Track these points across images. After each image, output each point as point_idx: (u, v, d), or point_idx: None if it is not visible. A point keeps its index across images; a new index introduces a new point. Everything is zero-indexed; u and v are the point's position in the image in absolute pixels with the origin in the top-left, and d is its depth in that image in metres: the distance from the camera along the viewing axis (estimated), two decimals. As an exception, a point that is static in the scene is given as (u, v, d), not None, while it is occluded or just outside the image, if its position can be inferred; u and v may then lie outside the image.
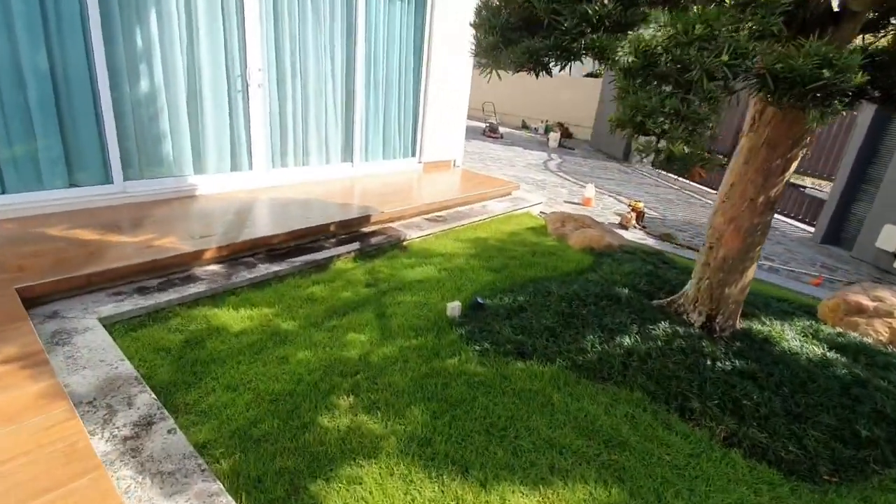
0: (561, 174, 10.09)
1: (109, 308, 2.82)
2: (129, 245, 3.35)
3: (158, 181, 4.33)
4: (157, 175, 4.33)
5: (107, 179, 4.01)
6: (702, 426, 2.18)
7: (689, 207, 8.33)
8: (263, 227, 4.01)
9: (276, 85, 4.99)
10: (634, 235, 6.07)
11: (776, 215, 8.22)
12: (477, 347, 2.70)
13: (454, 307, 3.05)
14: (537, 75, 2.48)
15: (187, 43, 4.22)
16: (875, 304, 3.26)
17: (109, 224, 3.69)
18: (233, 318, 2.93)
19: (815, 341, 2.93)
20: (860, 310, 3.23)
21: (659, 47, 1.72)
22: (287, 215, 4.31)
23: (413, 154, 6.83)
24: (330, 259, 3.94)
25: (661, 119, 1.77)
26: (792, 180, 8.38)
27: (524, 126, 17.43)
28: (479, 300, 3.18)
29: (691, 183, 10.57)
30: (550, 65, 2.38)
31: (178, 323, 2.83)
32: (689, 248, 5.88)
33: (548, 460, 1.96)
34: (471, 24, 2.57)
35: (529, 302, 3.16)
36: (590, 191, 7.43)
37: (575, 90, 16.61)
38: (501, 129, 15.01)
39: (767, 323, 3.03)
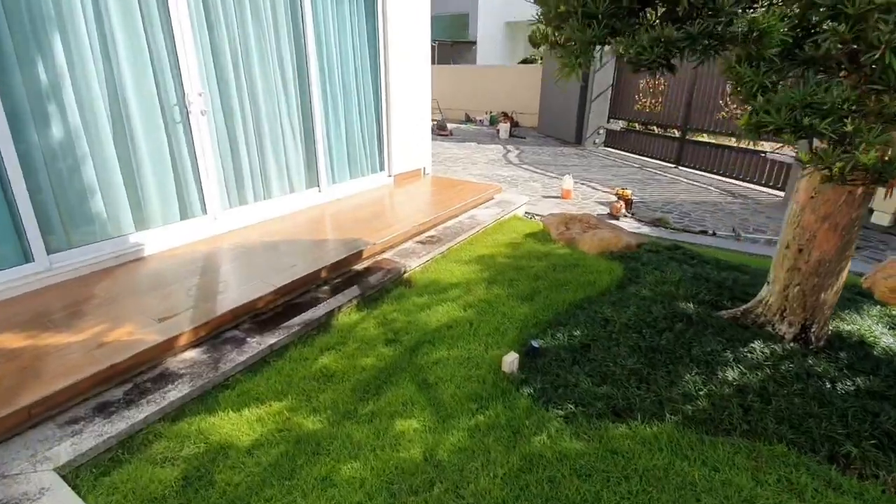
0: (526, 167, 9.77)
1: (66, 448, 2.05)
2: (73, 347, 2.54)
3: (93, 247, 3.45)
4: (90, 240, 3.45)
5: (25, 257, 3.11)
6: (866, 476, 1.82)
7: (660, 186, 8.26)
8: (240, 287, 3.27)
9: (223, 109, 4.18)
10: (629, 225, 5.81)
11: (742, 182, 8.33)
12: (560, 412, 2.20)
13: (511, 361, 2.53)
14: (655, 74, 2.00)
15: (105, 72, 3.35)
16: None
17: (39, 317, 2.83)
18: (237, 425, 2.25)
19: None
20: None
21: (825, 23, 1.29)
22: (263, 266, 3.58)
23: (382, 168, 6.18)
24: (330, 314, 3.28)
25: (843, 118, 1.34)
26: (751, 146, 8.52)
27: (468, 119, 17.06)
28: (535, 344, 2.68)
29: (650, 160, 10.62)
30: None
31: (166, 449, 2.11)
32: (684, 230, 5.70)
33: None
34: (538, 18, 2.02)
35: (590, 336, 2.70)
36: (568, 182, 7.13)
37: (514, 78, 16.42)
38: (447, 125, 14.55)
39: (846, 319, 2.77)
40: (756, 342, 2.47)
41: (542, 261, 4.15)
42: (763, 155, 8.07)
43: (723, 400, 2.13)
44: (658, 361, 2.39)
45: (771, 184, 7.84)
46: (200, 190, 4.11)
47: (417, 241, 4.60)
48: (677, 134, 9.97)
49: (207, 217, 4.19)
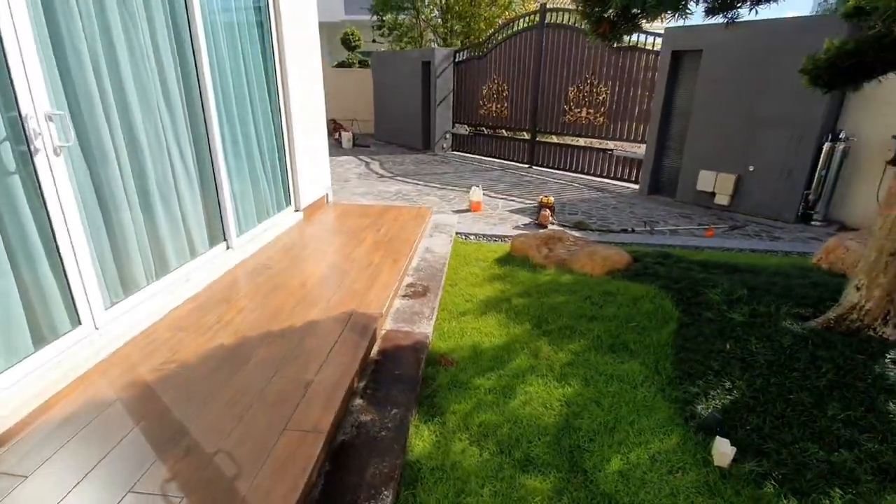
0: (401, 179, 9.06)
1: None
2: None
3: None
4: None
5: None
6: None
7: (543, 187, 8.62)
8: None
9: (83, 142, 2.42)
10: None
11: (603, 179, 9.30)
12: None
13: (724, 452, 1.99)
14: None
15: None
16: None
17: None
18: None
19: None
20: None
21: None
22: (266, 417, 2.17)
23: (288, 202, 4.75)
24: (399, 465, 2.15)
25: None
26: (599, 146, 9.56)
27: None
28: (717, 416, 2.18)
29: (504, 161, 11.11)
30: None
31: None
32: (607, 231, 5.95)
33: None
34: None
35: (748, 389, 2.35)
36: (477, 194, 6.77)
37: (340, 81, 15.31)
38: (279, 137, 12.67)
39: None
40: (891, 353, 2.52)
41: (562, 294, 3.67)
42: (611, 152, 9.17)
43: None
44: (849, 405, 2.20)
45: (624, 178, 8.94)
46: (67, 288, 2.30)
47: (403, 296, 3.58)
48: (527, 136, 10.63)
49: (83, 329, 2.40)
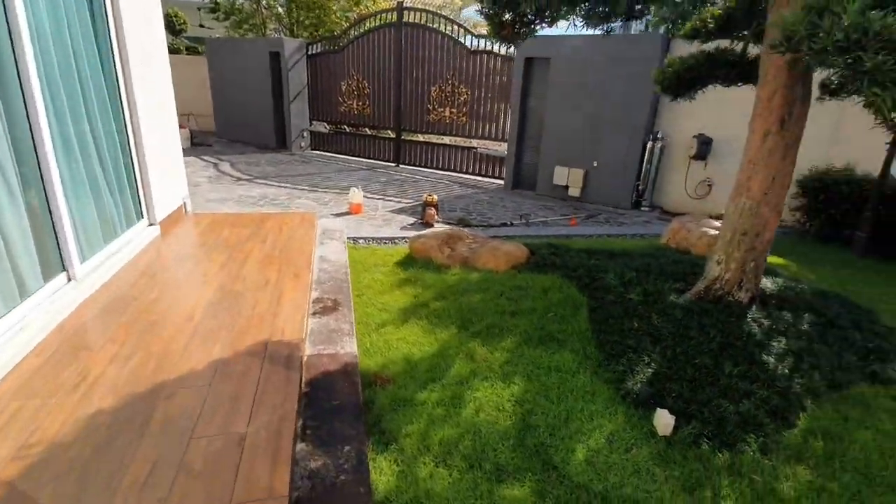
0: (263, 182, 8.20)
1: None
2: None
3: None
4: None
5: None
6: None
7: (416, 186, 8.64)
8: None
9: None
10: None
11: (470, 175, 9.72)
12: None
13: (667, 422, 2.20)
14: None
15: None
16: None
17: None
18: None
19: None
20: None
21: None
22: None
23: (141, 215, 3.89)
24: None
25: None
26: (464, 145, 9.98)
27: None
28: (648, 390, 2.40)
29: (370, 160, 10.87)
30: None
31: None
32: (488, 226, 6.23)
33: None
34: None
35: (661, 365, 2.66)
36: (357, 196, 6.47)
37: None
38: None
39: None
40: (758, 313, 3.09)
41: (476, 292, 3.70)
42: (475, 150, 9.64)
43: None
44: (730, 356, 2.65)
45: (489, 174, 9.48)
46: None
47: (314, 314, 3.23)
48: (392, 135, 10.56)
49: None
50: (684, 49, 7.00)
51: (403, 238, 5.43)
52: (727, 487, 2.00)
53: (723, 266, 3.25)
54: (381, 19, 10.00)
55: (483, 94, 9.10)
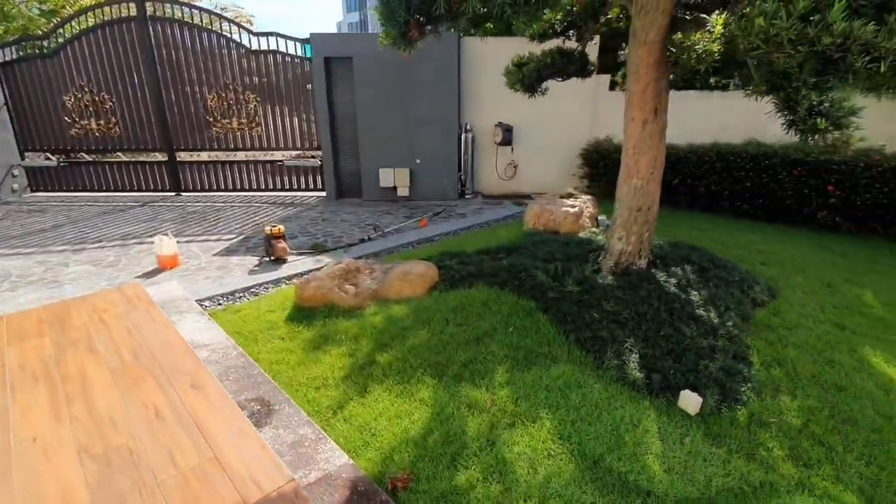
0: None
1: None
2: None
3: None
4: None
5: None
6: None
7: (223, 214, 7.12)
8: None
9: None
10: (301, 261, 5.04)
11: (283, 193, 8.61)
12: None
13: (694, 402, 2.33)
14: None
15: None
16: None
17: None
18: None
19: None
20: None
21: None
22: None
23: None
24: None
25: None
26: (265, 158, 8.78)
27: None
28: (655, 377, 2.49)
29: (142, 193, 8.54)
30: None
31: None
32: (348, 246, 5.64)
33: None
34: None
35: (638, 345, 2.81)
36: (168, 245, 4.95)
37: None
38: None
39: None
40: (662, 274, 3.52)
41: (416, 328, 3.23)
42: (281, 163, 8.54)
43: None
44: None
45: (306, 187, 8.53)
46: None
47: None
48: (163, 157, 8.48)
49: None
50: (483, 47, 7.62)
51: (264, 285, 4.44)
52: (768, 439, 2.25)
53: (624, 241, 3.65)
54: (109, 12, 7.73)
55: (276, 100, 8.07)
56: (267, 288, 4.39)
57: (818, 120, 2.57)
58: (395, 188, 8.05)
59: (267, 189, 8.61)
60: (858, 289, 4.06)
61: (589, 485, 2.02)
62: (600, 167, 7.71)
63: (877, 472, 2.12)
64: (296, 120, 8.21)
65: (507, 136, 8.05)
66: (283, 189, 8.61)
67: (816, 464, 2.15)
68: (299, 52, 7.85)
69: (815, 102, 2.63)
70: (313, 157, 8.38)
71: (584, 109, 8.13)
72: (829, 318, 3.45)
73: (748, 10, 2.14)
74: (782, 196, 6.14)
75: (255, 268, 4.94)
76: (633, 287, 3.37)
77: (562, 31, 3.98)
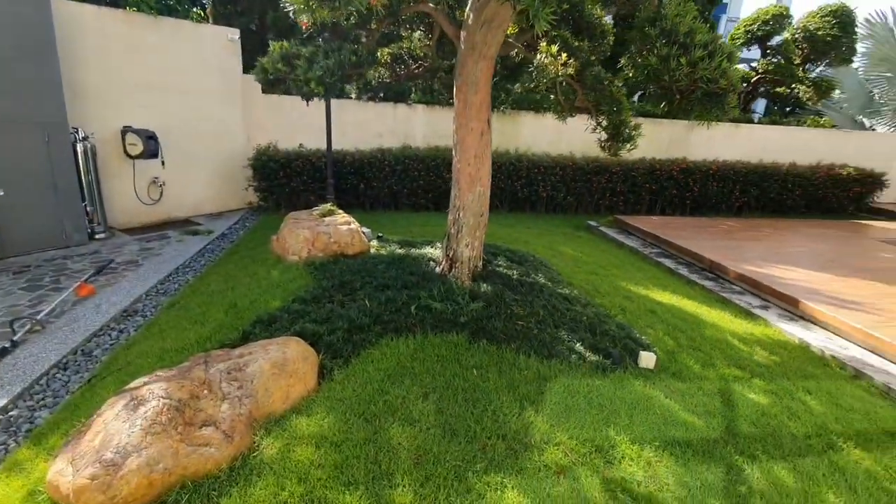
0: None
1: None
2: None
3: None
4: None
5: None
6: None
7: None
8: None
9: None
10: None
11: None
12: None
13: (649, 357, 2.90)
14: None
15: None
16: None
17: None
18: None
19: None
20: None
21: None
22: None
23: None
24: None
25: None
26: None
27: None
28: (607, 349, 2.87)
29: None
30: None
31: None
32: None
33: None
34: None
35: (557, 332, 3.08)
36: None
37: None
38: None
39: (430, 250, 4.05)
40: (507, 271, 3.73)
41: (324, 447, 2.23)
42: None
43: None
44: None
45: None
46: None
47: None
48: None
49: None
50: (92, 19, 5.00)
51: None
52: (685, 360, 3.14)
53: (471, 247, 3.74)
54: None
55: None
56: None
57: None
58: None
59: None
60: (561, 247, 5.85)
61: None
62: (280, 177, 6.96)
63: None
64: None
65: (151, 145, 5.92)
66: None
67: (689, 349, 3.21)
68: None
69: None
70: None
71: (234, 113, 7.00)
72: (582, 269, 4.90)
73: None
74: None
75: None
76: (508, 287, 3.59)
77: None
